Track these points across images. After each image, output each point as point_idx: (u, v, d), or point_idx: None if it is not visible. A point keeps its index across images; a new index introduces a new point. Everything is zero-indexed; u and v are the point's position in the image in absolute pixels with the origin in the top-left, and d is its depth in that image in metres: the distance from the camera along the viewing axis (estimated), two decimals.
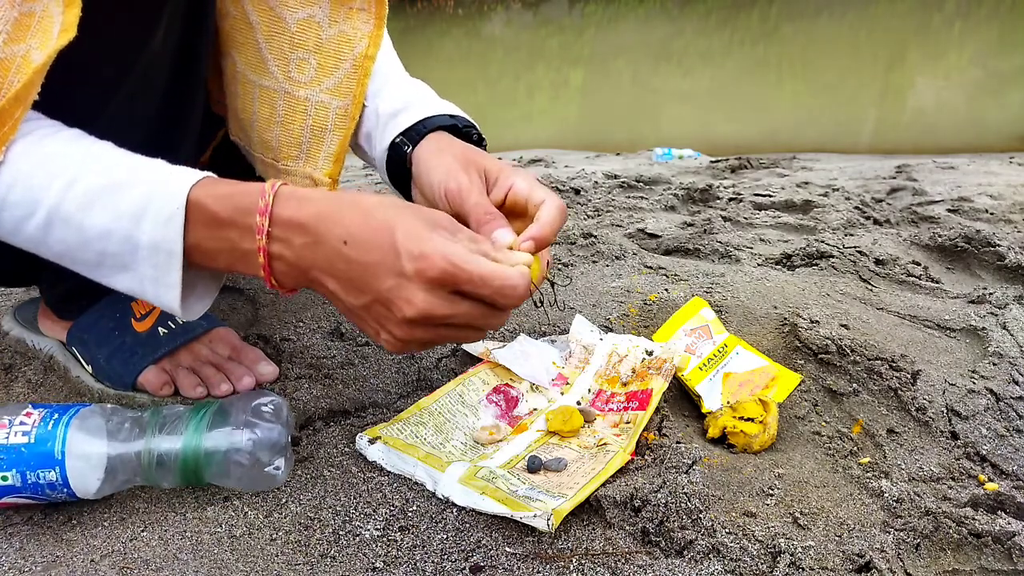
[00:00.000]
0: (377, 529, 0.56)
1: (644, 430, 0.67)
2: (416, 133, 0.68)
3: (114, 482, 0.55)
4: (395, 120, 0.70)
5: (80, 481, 0.54)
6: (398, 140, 0.68)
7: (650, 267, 1.12)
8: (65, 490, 0.54)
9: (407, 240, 0.47)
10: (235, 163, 0.78)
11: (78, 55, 0.50)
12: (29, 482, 0.53)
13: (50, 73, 0.50)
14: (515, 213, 0.59)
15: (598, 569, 0.52)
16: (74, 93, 0.54)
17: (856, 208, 1.54)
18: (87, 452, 0.54)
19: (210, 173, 0.52)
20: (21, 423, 0.54)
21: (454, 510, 0.57)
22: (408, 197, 0.69)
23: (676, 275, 1.07)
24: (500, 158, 2.81)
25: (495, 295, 0.48)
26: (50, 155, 0.50)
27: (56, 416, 0.55)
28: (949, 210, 1.53)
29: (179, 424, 0.57)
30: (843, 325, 0.85)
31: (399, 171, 0.69)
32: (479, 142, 0.71)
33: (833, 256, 1.13)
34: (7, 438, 0.53)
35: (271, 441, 0.57)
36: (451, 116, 0.70)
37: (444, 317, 0.48)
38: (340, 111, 0.72)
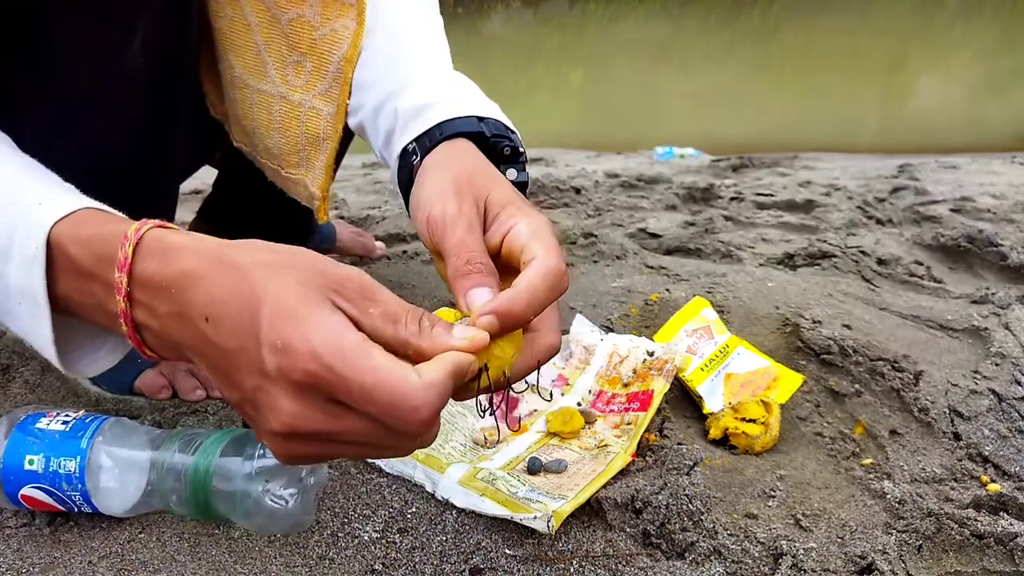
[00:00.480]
0: (376, 531, 0.55)
1: (645, 431, 0.66)
2: (430, 139, 0.54)
3: (126, 488, 0.54)
4: (415, 122, 0.57)
5: (97, 477, 0.53)
6: (410, 147, 0.55)
7: (651, 267, 1.11)
8: (80, 487, 0.53)
9: (273, 322, 0.34)
10: (250, 165, 0.75)
11: (51, 66, 0.49)
12: (50, 470, 0.52)
13: (24, 81, 0.49)
14: (511, 266, 0.44)
15: (599, 571, 0.52)
16: (49, 102, 0.54)
17: (858, 208, 1.53)
18: (112, 451, 0.53)
19: (94, 203, 0.42)
20: (66, 416, 0.55)
21: (454, 512, 0.57)
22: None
23: (677, 275, 1.07)
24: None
25: (382, 415, 0.33)
26: None
27: (101, 418, 0.56)
28: (951, 210, 1.53)
29: (196, 440, 0.55)
30: (845, 325, 0.85)
31: (410, 185, 0.55)
32: (512, 158, 0.56)
33: (835, 256, 1.12)
34: (48, 424, 0.54)
35: (284, 471, 0.53)
36: (480, 119, 0.56)
37: (320, 434, 0.35)
38: (330, 118, 0.65)
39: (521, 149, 0.56)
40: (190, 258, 0.37)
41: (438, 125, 0.55)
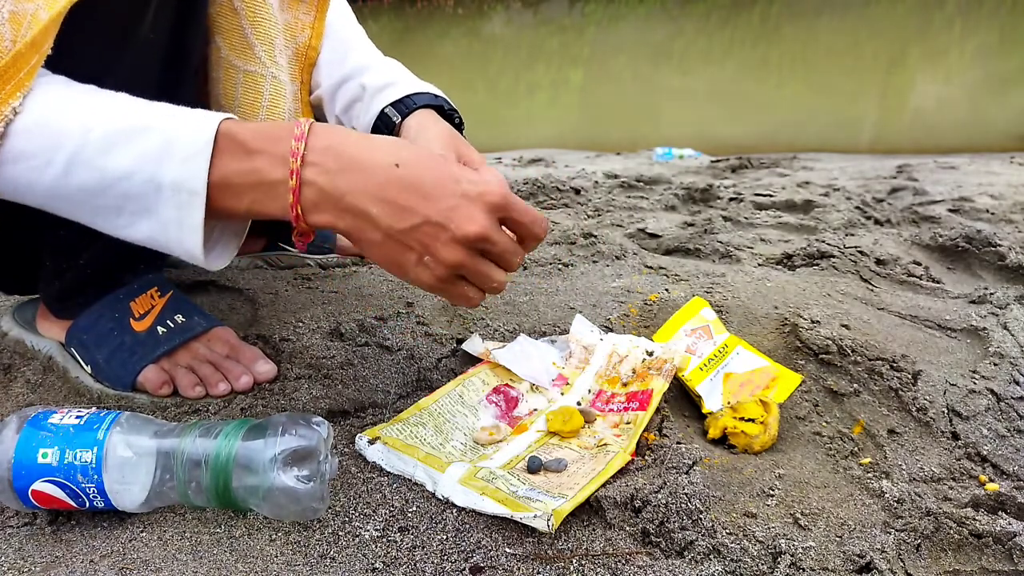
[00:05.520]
0: (376, 530, 0.56)
1: (644, 430, 0.67)
2: (405, 106, 0.72)
3: (143, 478, 0.53)
4: (383, 93, 0.74)
5: (114, 468, 0.53)
6: (387, 110, 0.72)
7: (650, 267, 1.12)
8: (96, 477, 0.52)
9: (462, 169, 0.52)
10: None
11: (65, 43, 0.50)
12: (65, 462, 0.52)
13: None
14: None
15: (598, 570, 0.52)
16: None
17: (857, 208, 1.53)
18: (131, 440, 0.53)
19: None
20: (79, 412, 0.55)
21: (454, 511, 0.57)
22: None
23: (676, 275, 1.07)
24: (501, 160, 2.78)
25: (532, 224, 0.54)
26: (67, 102, 0.49)
27: (115, 412, 0.56)
28: (950, 210, 1.53)
29: (215, 428, 0.55)
30: (844, 325, 0.85)
31: None
32: (459, 126, 0.76)
33: (834, 256, 1.12)
34: (60, 420, 0.54)
35: (305, 448, 0.53)
36: (435, 96, 0.75)
37: (493, 243, 0.52)
38: (294, 95, 0.76)
39: (464, 122, 0.77)
40: (356, 135, 0.52)
41: (410, 95, 0.72)
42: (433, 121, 0.70)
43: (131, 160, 0.48)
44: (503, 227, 0.55)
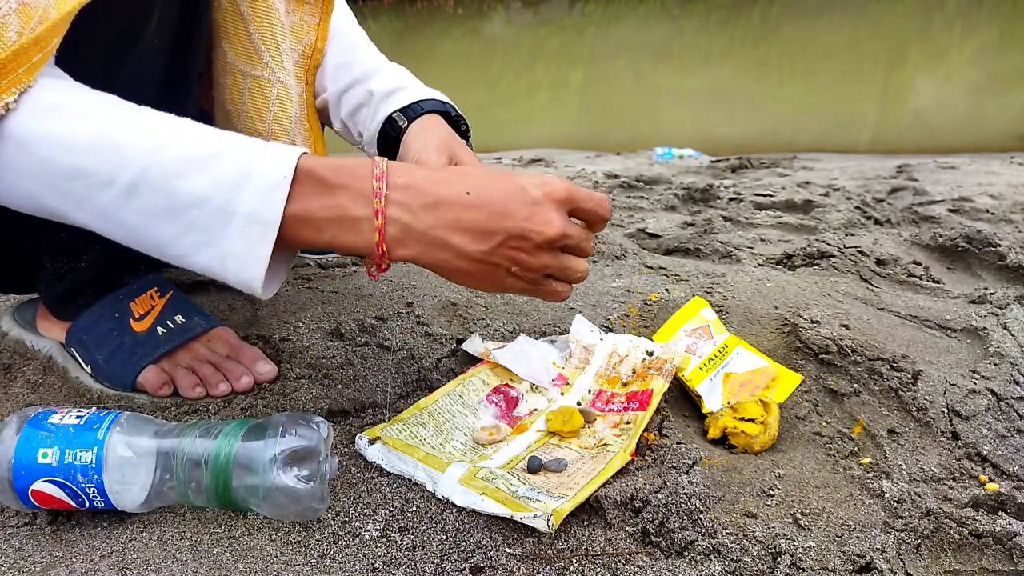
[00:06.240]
0: (376, 530, 0.56)
1: (644, 430, 0.67)
2: (412, 112, 0.74)
3: (143, 478, 0.53)
4: (391, 98, 0.75)
5: (114, 468, 0.52)
6: (395, 115, 0.74)
7: (650, 267, 1.12)
8: (96, 477, 0.52)
9: (524, 177, 0.53)
10: None
11: (71, 48, 0.50)
12: (65, 462, 0.52)
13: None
14: None
15: (598, 570, 0.52)
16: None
17: (857, 208, 1.53)
18: (131, 440, 0.53)
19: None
20: (79, 412, 0.55)
21: (454, 511, 0.57)
22: None
23: (676, 275, 1.07)
24: (501, 159, 2.78)
25: (597, 207, 0.56)
26: (126, 120, 0.48)
27: (115, 412, 0.56)
28: (950, 210, 1.53)
29: (215, 428, 0.55)
30: (844, 325, 0.85)
31: (390, 144, 0.75)
32: (465, 133, 0.78)
33: (834, 256, 1.12)
34: (60, 420, 0.54)
35: (305, 448, 0.53)
36: (443, 103, 0.77)
37: (571, 237, 0.55)
38: (300, 97, 0.76)
39: (470, 130, 0.79)
40: (425, 170, 0.53)
41: (417, 101, 0.74)
42: (432, 126, 0.72)
43: (205, 185, 0.47)
44: (572, 218, 0.57)
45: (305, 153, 0.51)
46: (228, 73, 0.72)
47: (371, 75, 0.79)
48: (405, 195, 0.51)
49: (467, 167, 0.56)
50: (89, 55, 0.56)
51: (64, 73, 0.51)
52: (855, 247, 1.17)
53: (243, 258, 0.49)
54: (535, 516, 0.52)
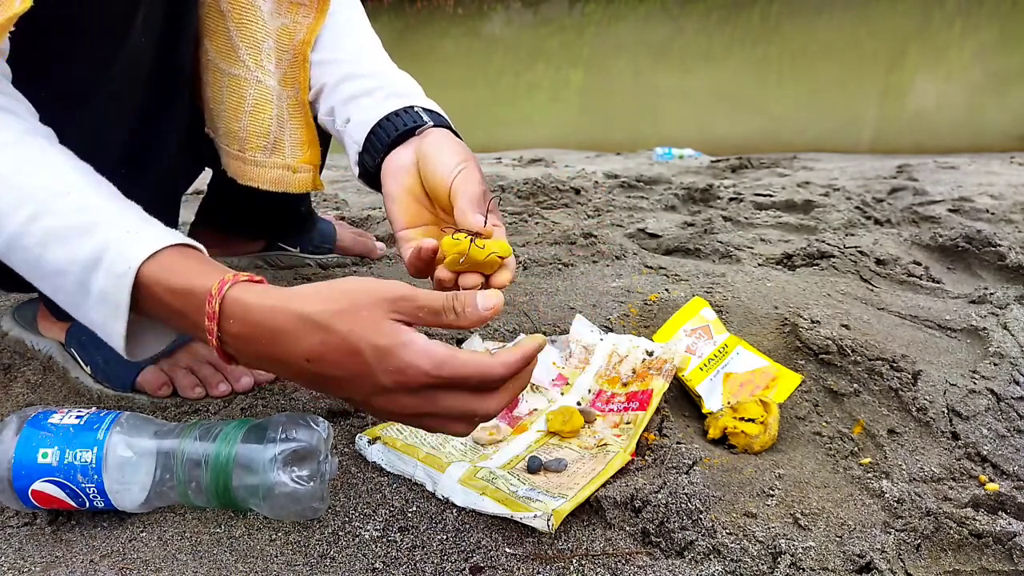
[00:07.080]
0: (377, 530, 0.56)
1: (644, 430, 0.67)
2: (432, 118, 0.69)
3: (143, 478, 0.54)
4: (405, 97, 0.71)
5: (114, 468, 0.53)
6: (418, 109, 0.70)
7: (650, 267, 1.12)
8: (96, 477, 0.52)
9: (379, 359, 0.43)
10: None
11: (57, 56, 0.50)
12: (65, 462, 0.52)
13: (32, 77, 0.49)
14: (437, 200, 0.63)
15: (598, 570, 0.52)
16: (57, 95, 0.54)
17: (857, 208, 1.53)
18: (131, 441, 0.54)
19: (176, 236, 0.49)
20: (79, 412, 0.55)
21: (454, 511, 0.57)
22: (378, 159, 0.68)
23: (676, 275, 1.07)
24: (501, 159, 2.78)
25: (477, 385, 0.46)
26: (20, 176, 0.48)
27: (115, 412, 0.56)
28: (950, 210, 1.53)
29: (215, 428, 0.55)
30: (844, 325, 0.85)
31: (388, 140, 0.68)
32: None
33: (834, 256, 1.12)
34: (60, 420, 0.54)
35: (305, 448, 0.54)
36: (446, 119, 0.72)
37: (430, 412, 0.46)
38: (292, 99, 0.74)
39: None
40: (267, 315, 0.45)
41: (430, 110, 0.70)
42: (453, 139, 0.67)
43: (64, 261, 0.48)
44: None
45: (155, 255, 0.47)
46: (209, 71, 0.72)
47: (379, 73, 0.75)
48: (237, 344, 0.46)
49: (307, 302, 0.45)
50: (74, 59, 0.56)
51: (16, 99, 0.50)
52: (855, 247, 1.17)
53: (103, 329, 0.50)
54: (535, 516, 0.52)
